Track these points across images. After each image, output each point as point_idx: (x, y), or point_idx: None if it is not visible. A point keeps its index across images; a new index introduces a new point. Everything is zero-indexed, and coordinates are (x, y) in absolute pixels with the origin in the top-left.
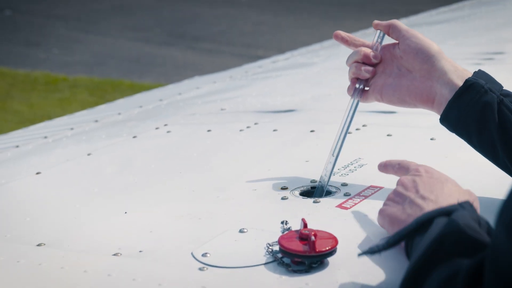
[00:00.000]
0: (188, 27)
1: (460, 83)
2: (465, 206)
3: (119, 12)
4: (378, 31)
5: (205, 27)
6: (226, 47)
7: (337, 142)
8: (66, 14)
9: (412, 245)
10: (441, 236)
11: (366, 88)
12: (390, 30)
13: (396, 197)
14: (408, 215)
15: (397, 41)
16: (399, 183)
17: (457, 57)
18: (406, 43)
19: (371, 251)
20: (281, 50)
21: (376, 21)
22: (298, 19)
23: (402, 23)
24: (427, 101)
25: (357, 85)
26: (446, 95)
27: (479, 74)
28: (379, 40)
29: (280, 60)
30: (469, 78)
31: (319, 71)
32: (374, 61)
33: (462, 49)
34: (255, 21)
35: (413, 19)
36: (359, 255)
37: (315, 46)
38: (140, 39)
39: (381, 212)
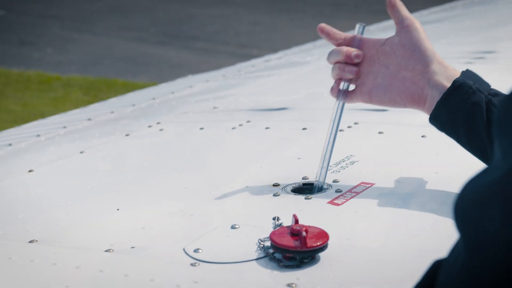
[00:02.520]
0: (183, 27)
1: (449, 84)
2: None
3: (114, 12)
4: (358, 25)
5: (200, 27)
6: (221, 47)
7: (327, 145)
8: (61, 14)
9: None
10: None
11: (351, 87)
12: (393, 10)
13: None
14: None
15: (398, 29)
16: None
17: (449, 56)
18: (408, 36)
19: None
20: (275, 50)
21: None
22: (293, 19)
23: (405, 8)
24: (418, 102)
25: (341, 87)
26: (436, 97)
27: (467, 74)
28: (359, 35)
29: (273, 59)
30: (457, 78)
31: (312, 69)
32: (356, 61)
33: (453, 48)
34: (250, 21)
35: None
36: None
37: (308, 45)
38: (135, 39)
39: None
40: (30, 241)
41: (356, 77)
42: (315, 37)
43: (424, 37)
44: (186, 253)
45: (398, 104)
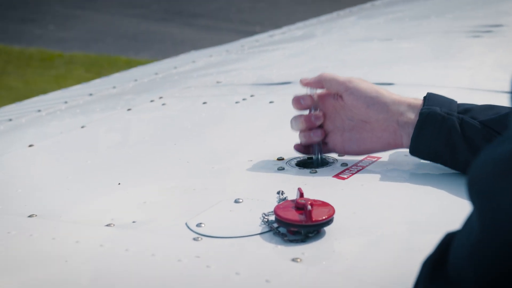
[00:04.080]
0: (185, 3)
1: (417, 117)
2: None
3: None
4: (309, 88)
5: (202, 3)
6: (224, 24)
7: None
8: None
9: None
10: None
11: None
12: (325, 85)
13: None
14: None
15: (340, 93)
16: None
17: (456, 30)
18: (353, 98)
19: None
20: (278, 27)
21: (304, 80)
22: None
23: (331, 74)
24: (395, 145)
25: (316, 146)
26: (411, 134)
27: (431, 99)
28: (314, 94)
29: (277, 34)
30: (423, 109)
31: (316, 44)
32: (318, 123)
33: (460, 23)
34: None
35: None
36: None
37: (313, 21)
38: (137, 15)
39: None
40: (30, 216)
41: (325, 135)
42: (318, 14)
43: (369, 88)
44: (189, 228)
45: (375, 152)
